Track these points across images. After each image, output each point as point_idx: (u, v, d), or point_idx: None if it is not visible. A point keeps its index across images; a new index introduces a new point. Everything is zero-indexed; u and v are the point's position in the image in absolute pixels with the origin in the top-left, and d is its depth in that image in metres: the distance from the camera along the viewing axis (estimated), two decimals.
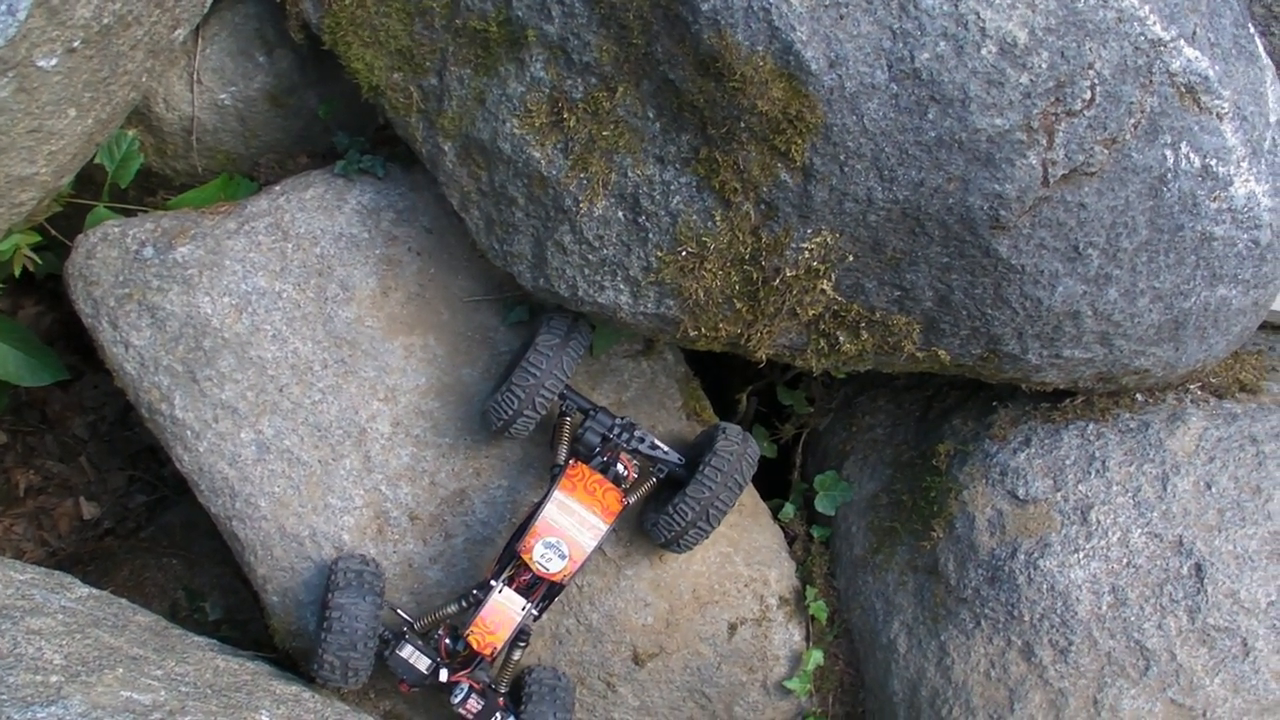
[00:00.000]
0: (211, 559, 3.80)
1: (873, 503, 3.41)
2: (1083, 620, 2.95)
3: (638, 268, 2.85)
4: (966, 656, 3.06)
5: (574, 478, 3.01)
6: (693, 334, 2.92)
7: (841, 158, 2.58)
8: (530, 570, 2.96)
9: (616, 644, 3.23)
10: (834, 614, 3.39)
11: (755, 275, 2.78)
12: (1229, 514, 2.98)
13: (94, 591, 2.93)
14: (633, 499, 3.10)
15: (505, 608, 2.96)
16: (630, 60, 2.72)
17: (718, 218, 2.74)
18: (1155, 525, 2.99)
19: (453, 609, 3.05)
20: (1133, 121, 2.58)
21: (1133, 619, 2.93)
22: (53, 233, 3.35)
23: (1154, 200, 2.66)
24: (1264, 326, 3.40)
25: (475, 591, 3.03)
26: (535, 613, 3.00)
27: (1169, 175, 2.64)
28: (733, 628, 3.27)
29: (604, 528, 2.98)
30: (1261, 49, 2.85)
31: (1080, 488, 3.05)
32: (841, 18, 2.49)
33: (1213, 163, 2.67)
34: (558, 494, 2.98)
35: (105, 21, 2.79)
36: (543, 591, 3.01)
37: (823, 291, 2.79)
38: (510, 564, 2.99)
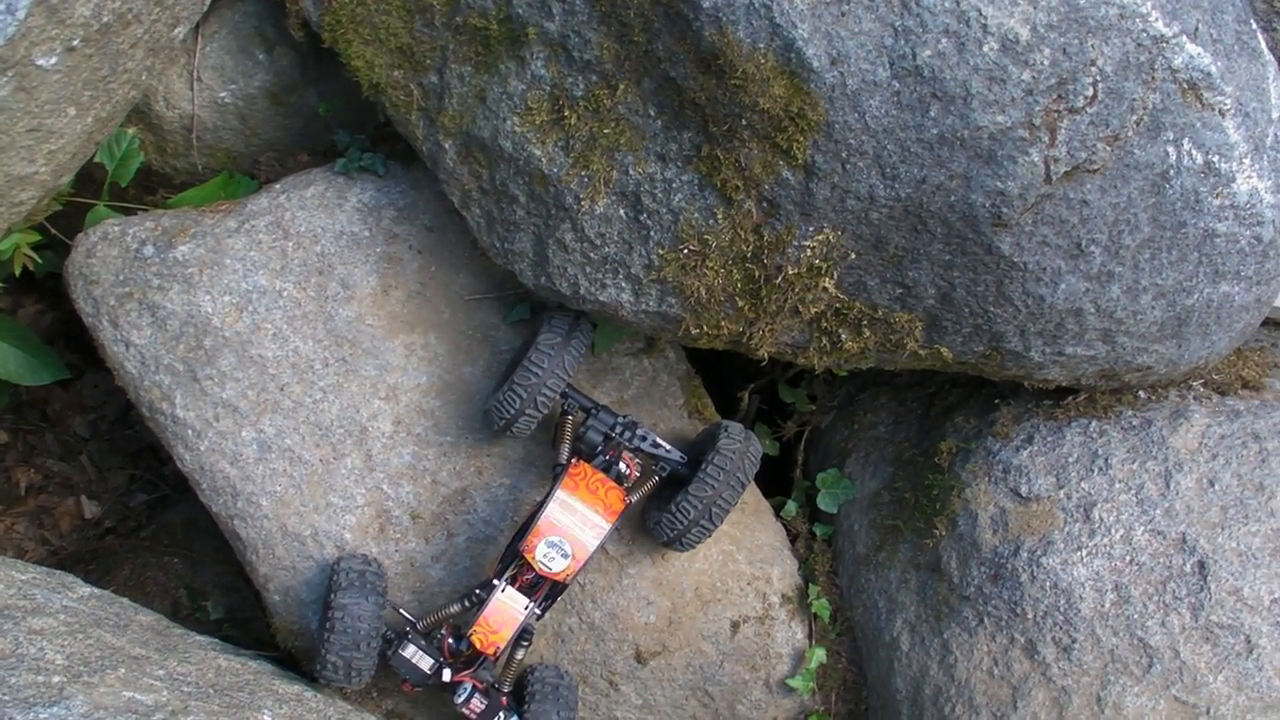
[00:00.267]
0: (213, 558, 3.79)
1: (875, 500, 3.41)
2: (1086, 618, 2.94)
3: (639, 266, 2.85)
4: (969, 654, 3.06)
5: (576, 476, 3.01)
6: (694, 332, 2.92)
7: (843, 155, 2.58)
8: (533, 569, 2.95)
9: (619, 642, 3.23)
10: (837, 612, 3.39)
11: (757, 273, 2.78)
12: (1232, 511, 2.98)
13: (95, 591, 2.93)
14: (635, 498, 3.10)
15: (508, 607, 2.96)
16: (631, 58, 2.71)
17: (719, 215, 2.73)
18: (1158, 523, 2.98)
19: (455, 608, 3.05)
20: (1135, 118, 2.57)
21: (1136, 617, 2.92)
22: (53, 231, 3.34)
23: (1156, 197, 2.66)
24: (1267, 323, 3.40)
25: (478, 591, 3.02)
26: (538, 612, 3.00)
27: (1171, 172, 2.64)
28: (735, 626, 3.27)
29: (606, 526, 2.98)
30: (1264, 45, 2.84)
31: (1083, 485, 3.04)
32: (843, 15, 2.49)
33: (1215, 159, 2.67)
34: (560, 493, 2.97)
35: (105, 20, 2.79)
36: (545, 590, 3.00)
37: (825, 289, 2.79)
38: (513, 563, 2.99)
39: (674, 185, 2.75)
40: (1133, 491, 3.02)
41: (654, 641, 3.23)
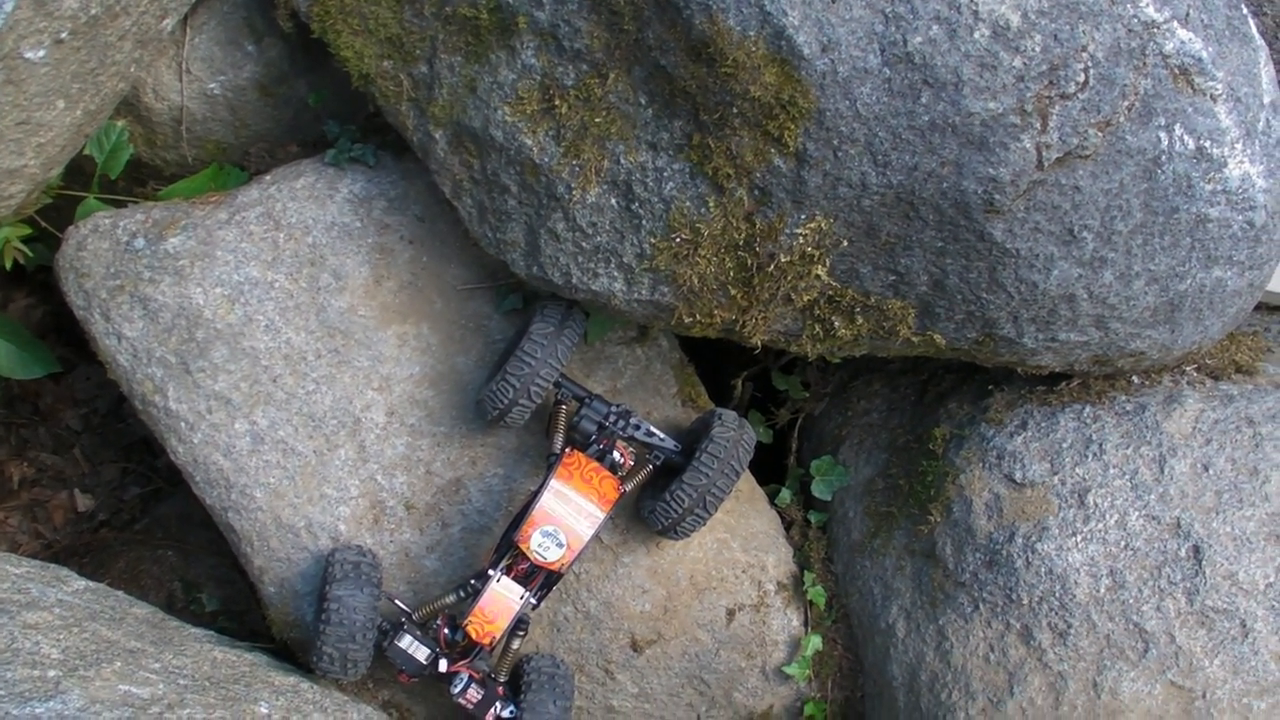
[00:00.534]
0: (207, 550, 3.79)
1: (869, 487, 3.41)
2: (1081, 603, 2.95)
3: (631, 255, 2.85)
4: (965, 640, 3.06)
5: (570, 466, 3.01)
6: (687, 320, 2.92)
7: (835, 143, 2.58)
8: (528, 559, 2.95)
9: (615, 631, 3.23)
10: (832, 599, 3.39)
11: (749, 261, 2.78)
12: (1226, 496, 2.98)
13: (90, 584, 2.93)
14: (629, 486, 3.10)
15: (504, 597, 2.96)
16: (621, 46, 2.71)
17: (711, 204, 2.73)
18: (1153, 508, 2.99)
19: (451, 599, 3.05)
20: (1126, 104, 2.57)
21: (1131, 601, 2.93)
22: (43, 225, 3.34)
23: (1148, 183, 2.65)
24: (1259, 307, 3.40)
25: (473, 581, 3.02)
26: (534, 601, 3.00)
27: (1163, 157, 2.64)
28: (731, 614, 3.27)
29: (601, 516, 2.98)
30: (1255, 30, 2.84)
31: (1077, 471, 3.05)
32: (833, 1, 2.48)
33: (1207, 144, 2.66)
34: (554, 482, 2.97)
35: (93, 12, 2.78)
36: (541, 580, 3.00)
37: (817, 277, 2.79)
38: (508, 553, 2.99)
39: (665, 174, 2.75)
40: (1127, 477, 3.02)
41: (650, 630, 3.23)
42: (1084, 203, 2.63)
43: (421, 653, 2.99)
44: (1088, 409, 3.13)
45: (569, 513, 2.96)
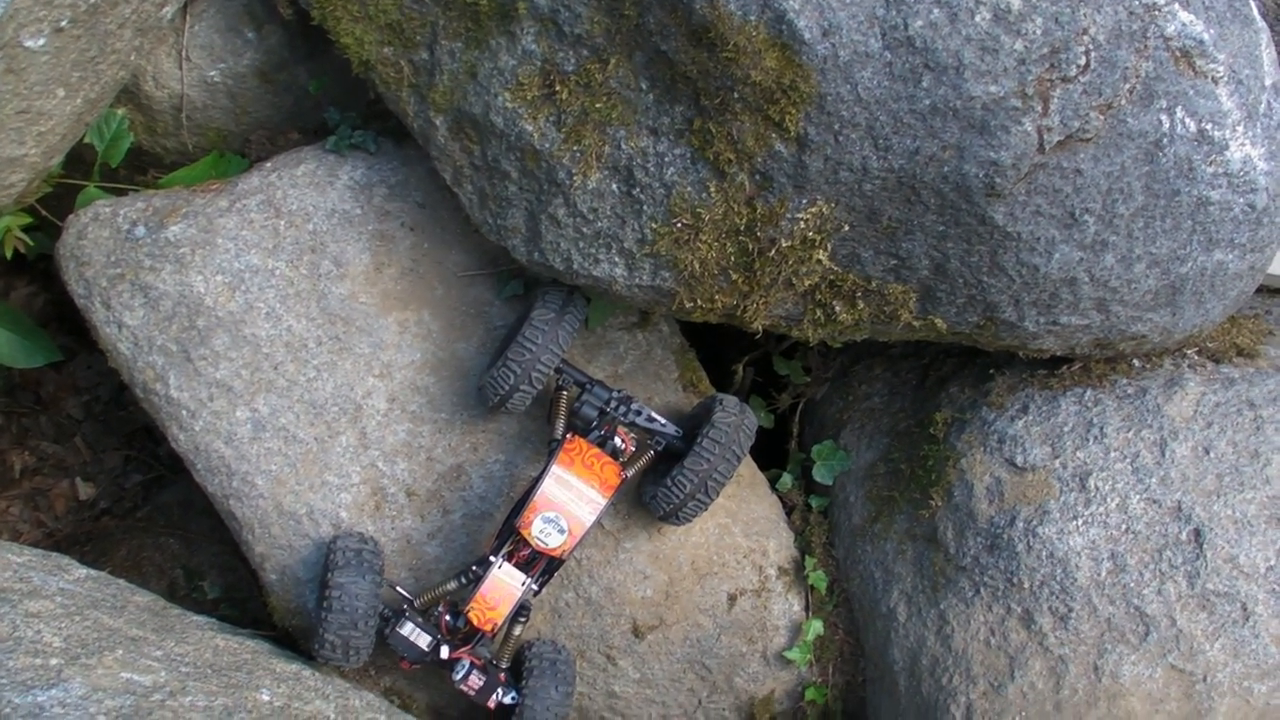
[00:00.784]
0: (209, 538, 3.79)
1: (870, 472, 3.41)
2: (1082, 587, 2.95)
3: (632, 240, 2.84)
4: (966, 624, 3.06)
5: (571, 452, 3.01)
6: (689, 306, 2.91)
7: (836, 127, 2.57)
8: (529, 545, 2.95)
9: (616, 617, 3.23)
10: (833, 583, 3.40)
11: (751, 246, 2.78)
12: (1227, 479, 2.98)
13: (92, 573, 2.93)
14: (631, 472, 3.10)
15: (505, 583, 2.96)
16: (622, 32, 2.70)
17: (712, 189, 2.73)
18: (1154, 491, 2.99)
19: (452, 585, 3.05)
20: (1128, 87, 2.57)
21: (1132, 585, 2.93)
22: (44, 213, 3.33)
23: (1150, 165, 2.65)
24: (1260, 290, 3.40)
25: (474, 567, 3.03)
26: (535, 587, 3.00)
27: (1164, 140, 2.63)
28: (732, 599, 3.28)
29: (602, 501, 2.98)
30: (1256, 12, 2.84)
31: (1078, 454, 3.05)
32: None
33: (1208, 127, 2.66)
34: (555, 468, 2.97)
35: (92, 0, 2.77)
36: (542, 566, 3.01)
37: (819, 261, 2.78)
38: (509, 539, 2.99)
39: (666, 159, 2.74)
40: (1128, 460, 3.02)
41: (651, 615, 3.24)
42: (1085, 186, 2.63)
43: (423, 640, 2.99)
44: (1089, 392, 3.13)
45: (570, 499, 2.96)
